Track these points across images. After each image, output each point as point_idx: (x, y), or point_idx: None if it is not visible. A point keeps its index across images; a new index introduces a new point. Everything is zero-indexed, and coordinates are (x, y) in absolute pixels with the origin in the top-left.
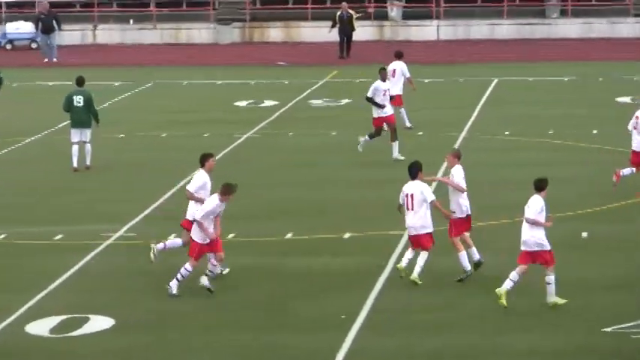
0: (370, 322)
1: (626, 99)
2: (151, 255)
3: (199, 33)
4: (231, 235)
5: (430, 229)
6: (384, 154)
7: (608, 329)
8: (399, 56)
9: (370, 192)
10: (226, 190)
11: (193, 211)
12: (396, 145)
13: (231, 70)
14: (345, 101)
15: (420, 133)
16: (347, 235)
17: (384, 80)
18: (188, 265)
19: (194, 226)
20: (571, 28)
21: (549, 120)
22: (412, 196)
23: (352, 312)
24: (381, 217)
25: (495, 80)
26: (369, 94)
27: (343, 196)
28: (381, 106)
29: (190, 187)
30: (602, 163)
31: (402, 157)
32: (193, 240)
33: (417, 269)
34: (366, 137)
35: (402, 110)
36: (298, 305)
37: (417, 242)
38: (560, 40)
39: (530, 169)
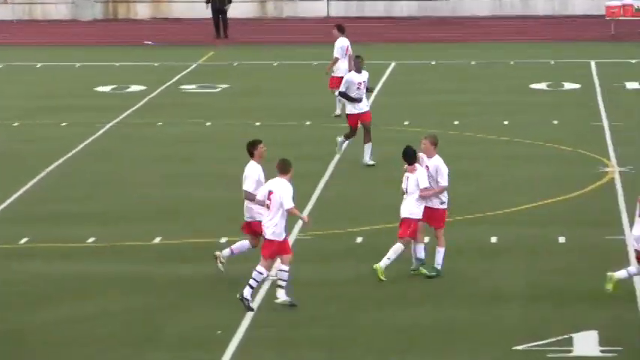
0: (249, 338)
1: (542, 85)
2: (219, 265)
3: (56, 8)
4: (90, 240)
5: (417, 217)
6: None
7: (520, 347)
8: (342, 31)
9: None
10: (286, 167)
11: (253, 209)
12: (368, 148)
13: (93, 50)
14: (221, 87)
15: (308, 123)
16: (224, 240)
17: (358, 71)
18: (284, 266)
19: (270, 223)
20: (479, 5)
21: (454, 109)
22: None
23: (229, 326)
24: None
25: (393, 64)
26: (342, 88)
27: (220, 195)
28: (356, 101)
29: (248, 187)
30: (512, 157)
31: (373, 162)
32: (269, 239)
33: (384, 260)
34: (342, 138)
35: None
36: (167, 318)
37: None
38: (466, 19)
39: None
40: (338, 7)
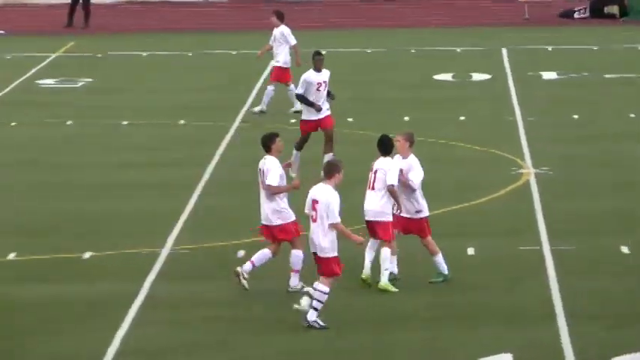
0: None
1: (447, 76)
2: (242, 282)
3: None
4: None
5: (389, 218)
6: (145, 150)
7: None
8: (281, 17)
9: (123, 201)
10: (331, 170)
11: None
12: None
13: None
14: (83, 82)
15: (182, 122)
16: (88, 255)
17: (318, 70)
18: (322, 287)
19: (323, 233)
20: None
21: (346, 104)
22: (376, 172)
23: (94, 354)
24: (135, 232)
25: None
26: (300, 90)
27: (86, 206)
28: (313, 106)
29: (274, 181)
30: None
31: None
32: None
33: (384, 274)
34: (295, 152)
35: (273, 88)
36: (26, 344)
37: (373, 231)
38: (355, 1)
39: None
40: None
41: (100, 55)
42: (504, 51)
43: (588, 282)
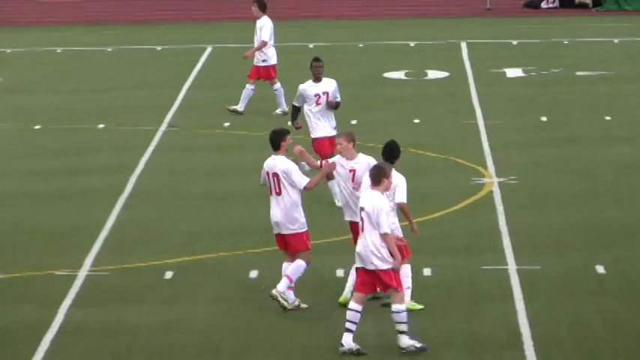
0: None
1: (399, 74)
2: (283, 302)
3: None
4: None
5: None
6: (61, 157)
7: None
8: (263, 8)
9: (33, 214)
10: (378, 176)
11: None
12: (334, 187)
13: None
14: None
15: (101, 126)
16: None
17: (317, 79)
18: (400, 306)
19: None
20: None
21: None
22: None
23: None
24: (48, 251)
25: (209, 48)
26: (296, 102)
27: None
28: (293, 123)
29: (303, 179)
30: None
31: (339, 204)
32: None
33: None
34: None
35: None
36: None
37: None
38: None
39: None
40: None
41: (8, 51)
42: (463, 45)
43: (559, 305)
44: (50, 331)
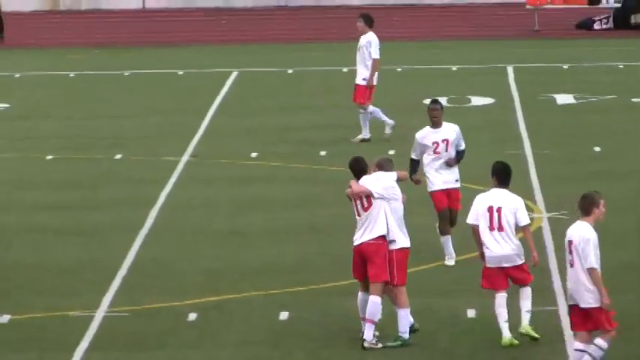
0: None
1: (441, 100)
2: (377, 346)
3: None
4: None
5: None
6: (73, 188)
7: None
8: (370, 23)
9: (45, 251)
10: (594, 203)
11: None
12: (448, 241)
13: None
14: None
15: (119, 156)
16: (5, 319)
17: (436, 124)
18: (603, 342)
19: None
20: None
21: (317, 133)
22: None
23: None
24: (61, 290)
25: (235, 72)
26: (413, 155)
27: None
28: (411, 178)
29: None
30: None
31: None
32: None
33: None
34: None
35: (372, 110)
36: None
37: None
38: (336, 8)
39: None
40: None
41: (17, 75)
42: (510, 69)
43: (612, 349)
44: None
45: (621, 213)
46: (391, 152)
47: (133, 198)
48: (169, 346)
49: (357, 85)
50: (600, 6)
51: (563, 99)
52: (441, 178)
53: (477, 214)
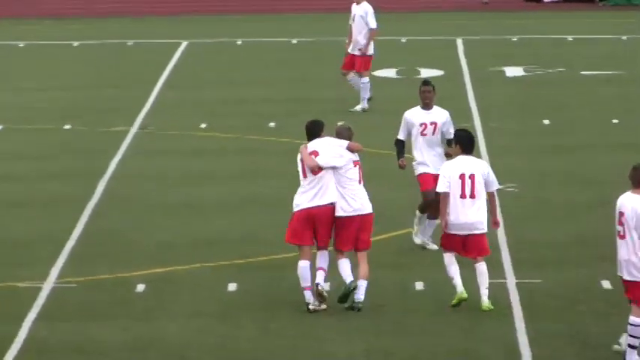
0: None
1: (390, 72)
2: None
3: None
4: None
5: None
6: (24, 160)
7: None
8: None
9: None
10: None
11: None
12: (432, 226)
13: None
14: None
15: (68, 126)
16: None
17: (427, 105)
18: (635, 319)
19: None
20: None
21: (264, 106)
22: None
23: None
24: (9, 261)
25: (184, 43)
26: (400, 135)
27: None
28: (397, 159)
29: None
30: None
31: (434, 246)
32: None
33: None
34: (420, 214)
35: (362, 79)
36: None
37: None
38: None
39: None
40: None
41: None
42: (459, 42)
43: (562, 324)
44: (13, 347)
45: (569, 184)
46: (339, 124)
47: (83, 169)
48: (118, 318)
49: (352, 55)
50: None
51: (513, 72)
52: (430, 160)
53: (448, 182)
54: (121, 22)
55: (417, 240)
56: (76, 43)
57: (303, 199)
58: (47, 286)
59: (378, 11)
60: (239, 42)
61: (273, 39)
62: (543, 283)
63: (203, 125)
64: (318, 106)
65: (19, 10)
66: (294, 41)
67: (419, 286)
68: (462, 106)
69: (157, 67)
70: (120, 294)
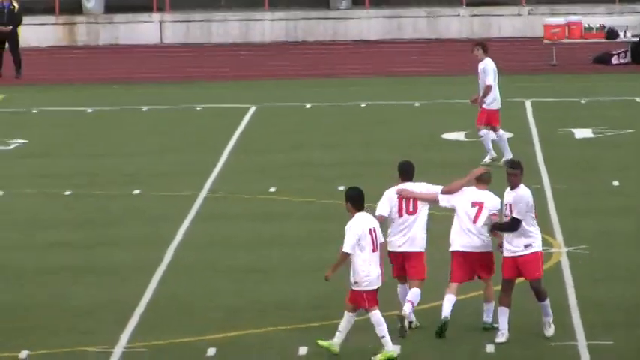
0: None
1: (458, 135)
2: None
3: None
4: None
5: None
6: (92, 226)
7: None
8: (487, 50)
9: (64, 289)
10: None
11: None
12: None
13: None
14: (15, 143)
15: (137, 192)
16: (24, 355)
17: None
18: None
19: None
20: (369, 25)
21: (335, 169)
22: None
23: None
24: (80, 327)
25: (253, 108)
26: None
27: (18, 296)
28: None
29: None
30: None
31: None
32: None
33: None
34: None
35: (498, 134)
36: None
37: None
38: (355, 44)
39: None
40: (176, 30)
41: (35, 111)
42: (528, 104)
43: None
44: None
45: (639, 246)
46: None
47: (151, 235)
48: None
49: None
50: (618, 40)
51: (581, 133)
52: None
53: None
54: (190, 86)
55: None
56: (144, 108)
57: (397, 239)
58: (118, 351)
59: (451, 75)
60: (308, 106)
61: (340, 103)
62: (614, 345)
63: (272, 189)
64: (385, 170)
65: (87, 75)
66: (363, 105)
67: (490, 348)
68: (532, 167)
69: (225, 132)
70: (190, 358)
